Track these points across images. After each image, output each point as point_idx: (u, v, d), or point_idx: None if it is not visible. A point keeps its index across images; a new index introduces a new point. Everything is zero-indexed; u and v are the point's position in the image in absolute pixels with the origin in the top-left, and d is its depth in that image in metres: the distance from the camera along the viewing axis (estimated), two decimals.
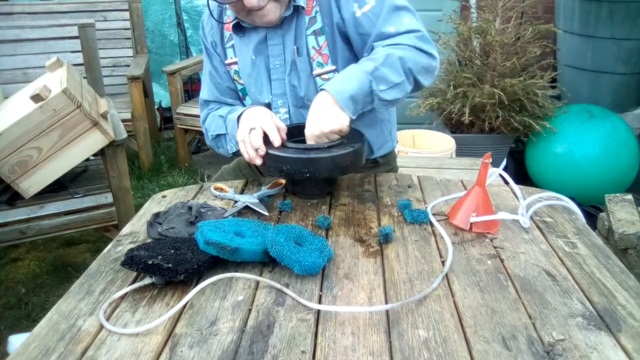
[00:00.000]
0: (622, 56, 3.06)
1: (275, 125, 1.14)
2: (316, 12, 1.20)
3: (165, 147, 3.65)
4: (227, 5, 1.16)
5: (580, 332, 0.75)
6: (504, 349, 0.71)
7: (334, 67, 1.24)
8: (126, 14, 3.37)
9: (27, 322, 1.98)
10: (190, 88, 4.08)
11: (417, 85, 1.18)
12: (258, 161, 1.13)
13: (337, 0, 1.18)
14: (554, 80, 3.06)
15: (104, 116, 1.88)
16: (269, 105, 1.31)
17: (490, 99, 2.71)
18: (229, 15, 1.27)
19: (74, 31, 2.63)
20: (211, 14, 1.27)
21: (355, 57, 1.24)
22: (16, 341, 1.56)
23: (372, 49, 1.17)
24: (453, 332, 0.75)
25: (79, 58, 2.49)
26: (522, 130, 2.81)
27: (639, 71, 3.11)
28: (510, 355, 0.70)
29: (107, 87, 2.65)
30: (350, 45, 1.23)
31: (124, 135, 1.97)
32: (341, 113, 1.10)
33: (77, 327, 0.77)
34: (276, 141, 1.12)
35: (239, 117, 1.21)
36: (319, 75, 1.24)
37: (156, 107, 3.87)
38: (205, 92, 1.39)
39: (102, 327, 0.77)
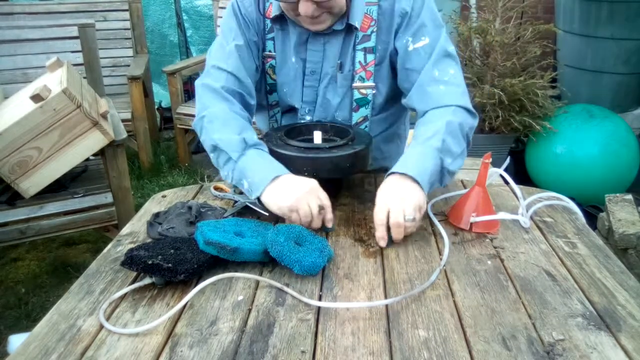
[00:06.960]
0: (622, 56, 3.06)
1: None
2: (372, 32, 1.19)
3: (165, 147, 3.65)
4: (282, 4, 1.13)
5: (580, 332, 0.75)
6: (504, 349, 0.71)
7: (373, 84, 1.23)
8: (126, 14, 3.37)
9: (27, 322, 1.98)
10: (190, 88, 4.08)
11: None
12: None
13: (397, 29, 1.17)
14: (554, 80, 3.06)
15: (104, 116, 1.88)
16: (294, 109, 1.29)
17: (490, 99, 2.71)
18: (271, 3, 1.21)
19: (74, 31, 2.63)
20: (258, 7, 1.20)
21: (396, 82, 1.23)
22: (16, 341, 1.56)
23: (420, 86, 1.15)
24: (453, 332, 0.75)
25: (79, 58, 2.49)
26: (522, 130, 2.80)
27: (639, 71, 3.11)
28: (510, 355, 0.70)
29: (107, 87, 2.65)
30: (396, 73, 1.22)
31: (124, 135, 1.96)
32: (421, 192, 1.00)
33: (77, 327, 0.77)
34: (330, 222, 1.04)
35: (275, 177, 1.05)
36: (358, 88, 1.24)
37: (156, 107, 3.87)
38: (222, 60, 1.18)
39: (102, 327, 0.77)
